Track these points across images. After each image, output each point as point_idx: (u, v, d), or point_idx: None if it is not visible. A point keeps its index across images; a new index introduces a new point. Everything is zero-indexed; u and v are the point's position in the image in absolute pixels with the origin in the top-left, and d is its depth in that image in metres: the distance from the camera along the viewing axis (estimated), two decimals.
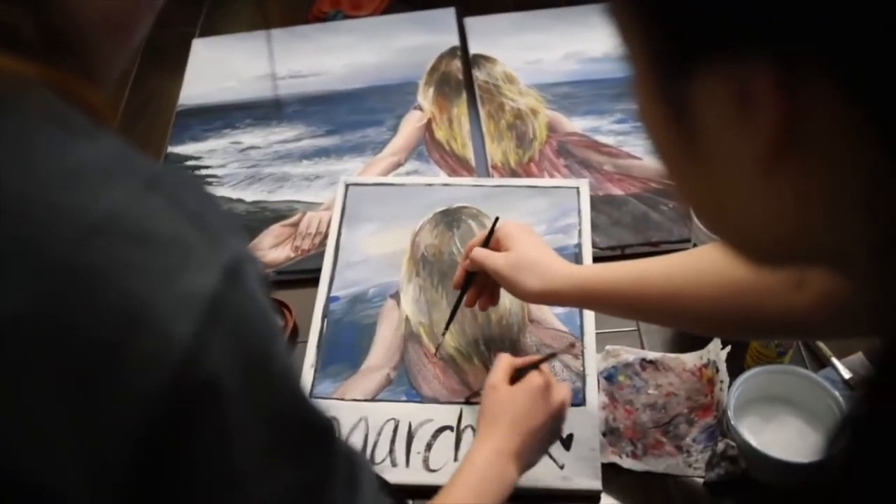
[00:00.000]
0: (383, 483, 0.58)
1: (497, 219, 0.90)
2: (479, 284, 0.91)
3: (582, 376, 0.94)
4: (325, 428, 0.46)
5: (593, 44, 1.39)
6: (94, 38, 0.44)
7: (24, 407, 0.35)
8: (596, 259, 1.06)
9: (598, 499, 0.86)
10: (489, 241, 0.88)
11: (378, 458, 0.89)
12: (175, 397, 0.36)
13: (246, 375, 0.39)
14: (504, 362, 0.81)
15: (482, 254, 0.86)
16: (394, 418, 0.92)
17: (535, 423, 0.76)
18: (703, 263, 0.74)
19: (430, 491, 0.74)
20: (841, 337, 0.87)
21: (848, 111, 0.28)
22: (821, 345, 0.95)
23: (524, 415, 0.75)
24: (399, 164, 1.23)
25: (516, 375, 0.80)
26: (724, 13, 0.28)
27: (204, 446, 0.38)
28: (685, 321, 0.79)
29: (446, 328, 0.97)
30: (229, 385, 0.38)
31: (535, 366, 0.80)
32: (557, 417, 0.79)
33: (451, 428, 0.91)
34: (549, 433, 0.79)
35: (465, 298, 0.92)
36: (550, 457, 0.86)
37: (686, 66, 0.31)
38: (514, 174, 1.20)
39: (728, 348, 0.91)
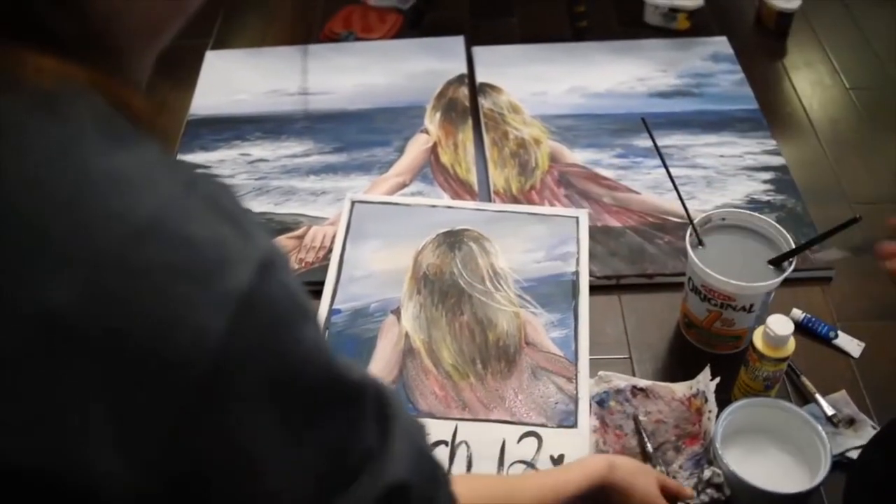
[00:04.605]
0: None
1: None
2: None
3: (575, 400, 0.97)
4: (355, 392, 0.47)
5: (597, 79, 1.43)
6: (129, 42, 0.46)
7: (63, 399, 0.37)
8: (592, 287, 1.09)
9: None
10: None
11: None
12: (209, 387, 0.38)
13: (277, 360, 0.41)
14: (661, 479, 0.84)
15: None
16: None
17: None
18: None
19: None
20: None
21: None
22: (806, 382, 0.98)
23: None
24: (404, 185, 1.26)
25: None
26: None
27: (233, 430, 0.40)
28: None
29: None
30: (261, 370, 0.40)
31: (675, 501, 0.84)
32: None
33: (445, 443, 0.93)
34: None
35: None
36: None
37: None
38: (515, 201, 1.23)
39: (717, 380, 0.94)
